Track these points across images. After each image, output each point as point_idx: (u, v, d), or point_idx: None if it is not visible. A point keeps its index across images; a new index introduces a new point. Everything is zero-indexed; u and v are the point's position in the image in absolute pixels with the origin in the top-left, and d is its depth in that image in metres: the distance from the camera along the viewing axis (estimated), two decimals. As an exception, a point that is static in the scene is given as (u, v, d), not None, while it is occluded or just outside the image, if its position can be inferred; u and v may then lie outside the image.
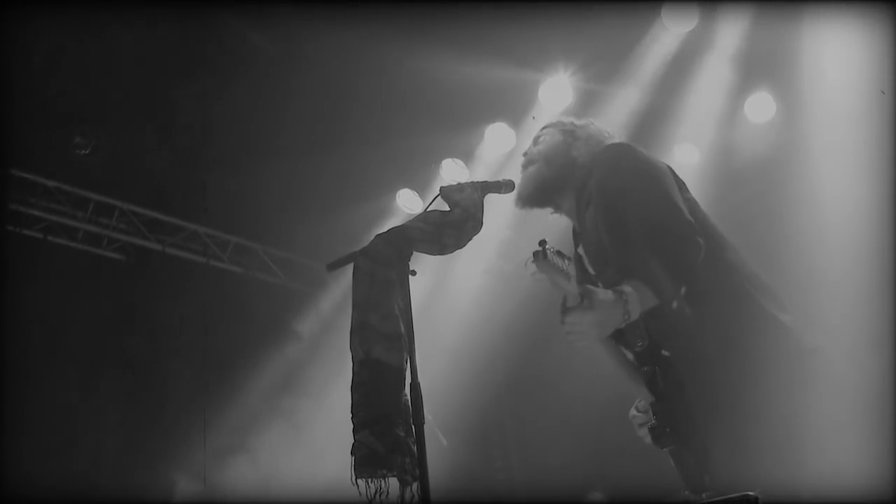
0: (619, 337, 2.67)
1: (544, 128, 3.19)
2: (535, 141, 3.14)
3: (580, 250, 3.04)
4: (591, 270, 2.97)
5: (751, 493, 2.10)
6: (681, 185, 2.86)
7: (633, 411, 2.94)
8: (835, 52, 5.53)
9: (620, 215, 2.72)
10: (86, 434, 6.36)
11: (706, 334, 2.63)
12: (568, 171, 3.01)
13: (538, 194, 3.03)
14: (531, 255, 2.26)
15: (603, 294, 2.45)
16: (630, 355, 2.85)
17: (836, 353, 2.75)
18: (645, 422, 2.84)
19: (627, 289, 2.47)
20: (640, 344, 2.68)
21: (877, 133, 5.41)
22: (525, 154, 3.15)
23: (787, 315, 2.66)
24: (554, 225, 3.19)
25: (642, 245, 2.58)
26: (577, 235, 3.04)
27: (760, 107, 6.19)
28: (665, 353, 2.65)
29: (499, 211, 3.13)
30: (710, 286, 2.59)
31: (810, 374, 2.56)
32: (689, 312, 2.54)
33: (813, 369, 2.58)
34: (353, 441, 2.48)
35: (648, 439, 2.79)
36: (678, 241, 2.56)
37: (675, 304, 2.49)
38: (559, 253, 2.33)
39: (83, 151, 6.21)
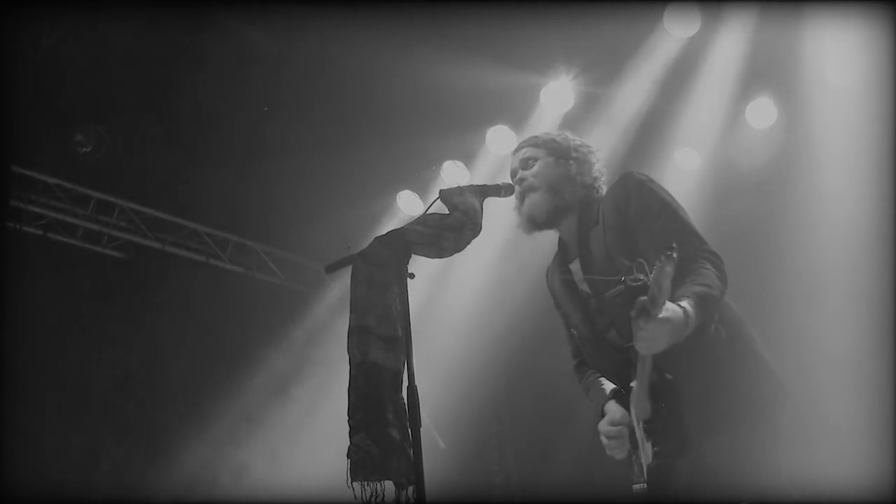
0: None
1: (524, 146, 3.21)
2: (525, 164, 3.15)
3: (572, 266, 3.07)
4: (582, 287, 3.00)
5: (743, 501, 2.15)
6: None
7: (604, 424, 2.95)
8: (837, 57, 5.53)
9: (644, 233, 2.78)
10: (84, 433, 6.35)
11: (708, 362, 2.71)
12: (573, 196, 3.08)
13: (548, 221, 3.09)
14: (663, 258, 2.29)
15: (673, 308, 2.47)
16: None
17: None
18: (618, 435, 2.89)
19: (688, 306, 2.49)
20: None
21: (879, 138, 5.41)
22: (518, 179, 3.14)
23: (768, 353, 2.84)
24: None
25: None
26: (571, 252, 3.09)
27: (762, 113, 6.17)
28: (668, 376, 2.69)
29: (498, 214, 3.13)
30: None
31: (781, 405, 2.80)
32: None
33: (785, 403, 2.81)
34: (349, 444, 2.48)
35: (618, 454, 2.89)
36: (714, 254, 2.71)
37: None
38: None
39: (84, 149, 6.21)
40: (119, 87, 5.95)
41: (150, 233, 7.27)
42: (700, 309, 2.50)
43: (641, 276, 2.38)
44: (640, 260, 2.40)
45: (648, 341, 2.44)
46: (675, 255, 2.28)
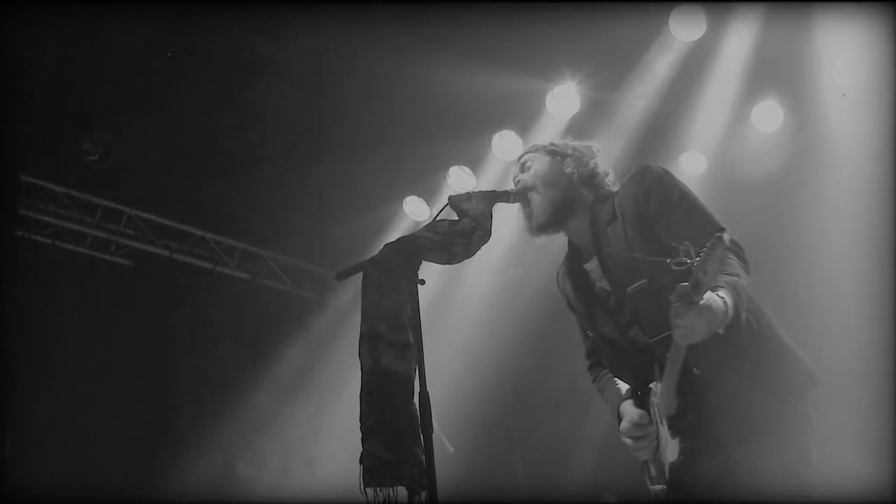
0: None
1: (526, 153, 3.21)
2: (523, 167, 3.16)
3: (588, 266, 3.05)
4: (601, 285, 2.99)
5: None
6: None
7: (628, 424, 2.90)
8: (843, 60, 5.53)
9: (664, 225, 2.75)
10: (91, 438, 6.36)
11: (736, 354, 2.64)
12: (571, 190, 3.05)
13: (553, 218, 3.03)
14: (712, 241, 2.22)
15: (713, 297, 2.38)
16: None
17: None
18: (643, 435, 2.85)
19: (725, 296, 2.42)
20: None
21: (887, 141, 5.41)
22: (517, 181, 3.14)
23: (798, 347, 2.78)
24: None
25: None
26: (586, 252, 3.05)
27: (768, 116, 6.17)
28: (696, 371, 2.64)
29: (506, 219, 3.14)
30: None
31: (813, 396, 2.73)
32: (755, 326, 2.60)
33: (815, 394, 2.74)
34: (361, 450, 2.48)
35: (645, 455, 2.85)
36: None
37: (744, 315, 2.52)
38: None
39: (92, 157, 6.24)
40: (126, 96, 5.98)
41: (158, 240, 7.29)
42: (735, 299, 2.43)
43: (686, 260, 2.25)
44: (686, 243, 2.28)
45: (687, 330, 2.33)
46: (725, 238, 2.19)
